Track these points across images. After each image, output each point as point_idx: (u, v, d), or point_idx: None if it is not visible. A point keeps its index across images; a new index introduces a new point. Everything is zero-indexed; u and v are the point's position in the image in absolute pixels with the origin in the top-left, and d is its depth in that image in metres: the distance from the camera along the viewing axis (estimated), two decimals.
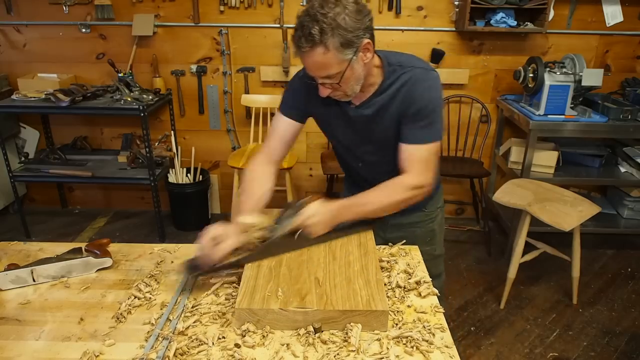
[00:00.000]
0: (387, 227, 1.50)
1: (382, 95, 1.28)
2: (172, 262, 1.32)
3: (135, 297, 1.15)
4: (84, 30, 3.11)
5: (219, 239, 1.16)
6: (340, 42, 1.11)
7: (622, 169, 3.02)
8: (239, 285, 1.11)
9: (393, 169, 1.32)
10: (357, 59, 1.17)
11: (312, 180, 3.49)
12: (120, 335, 1.02)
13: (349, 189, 1.53)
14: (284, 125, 1.40)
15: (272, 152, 1.41)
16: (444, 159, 3.19)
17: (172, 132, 3.28)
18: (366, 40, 1.16)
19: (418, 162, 1.28)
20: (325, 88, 1.22)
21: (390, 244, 1.38)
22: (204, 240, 1.16)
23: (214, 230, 1.17)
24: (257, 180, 1.36)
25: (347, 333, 0.99)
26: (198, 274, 1.19)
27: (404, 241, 1.39)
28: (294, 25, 1.16)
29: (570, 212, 2.27)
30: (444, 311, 1.11)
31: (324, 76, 1.18)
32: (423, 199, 1.35)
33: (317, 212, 1.24)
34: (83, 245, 1.30)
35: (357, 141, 1.39)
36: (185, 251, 1.37)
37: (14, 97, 2.91)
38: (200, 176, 3.28)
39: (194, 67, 3.17)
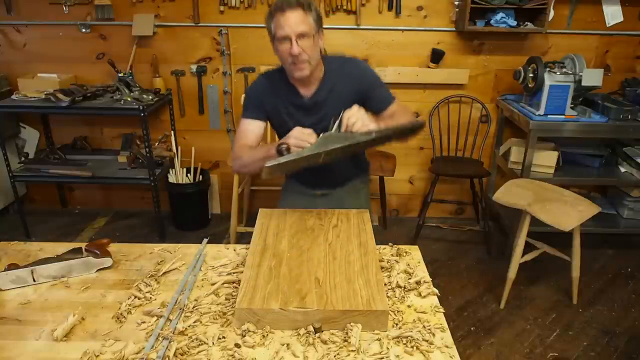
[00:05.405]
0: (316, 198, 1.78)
1: (326, 81, 1.62)
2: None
3: (135, 297, 1.15)
4: (84, 30, 3.11)
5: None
6: (314, 17, 1.51)
7: (622, 169, 3.01)
8: (239, 285, 1.11)
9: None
10: (318, 37, 1.54)
11: None
12: (120, 335, 1.02)
13: (287, 197, 1.84)
14: (252, 127, 1.71)
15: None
16: (443, 159, 3.19)
17: (172, 132, 3.28)
18: (321, 32, 1.56)
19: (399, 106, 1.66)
20: (297, 47, 1.47)
21: (390, 243, 1.38)
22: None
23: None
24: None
25: (347, 333, 0.99)
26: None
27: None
28: None
29: (570, 212, 2.27)
30: (444, 311, 1.11)
31: (300, 32, 1.47)
32: None
33: (356, 111, 1.39)
34: (83, 245, 1.30)
35: (313, 127, 1.49)
36: (185, 251, 1.38)
37: (14, 97, 2.91)
38: (200, 176, 3.28)
39: (194, 67, 3.16)
